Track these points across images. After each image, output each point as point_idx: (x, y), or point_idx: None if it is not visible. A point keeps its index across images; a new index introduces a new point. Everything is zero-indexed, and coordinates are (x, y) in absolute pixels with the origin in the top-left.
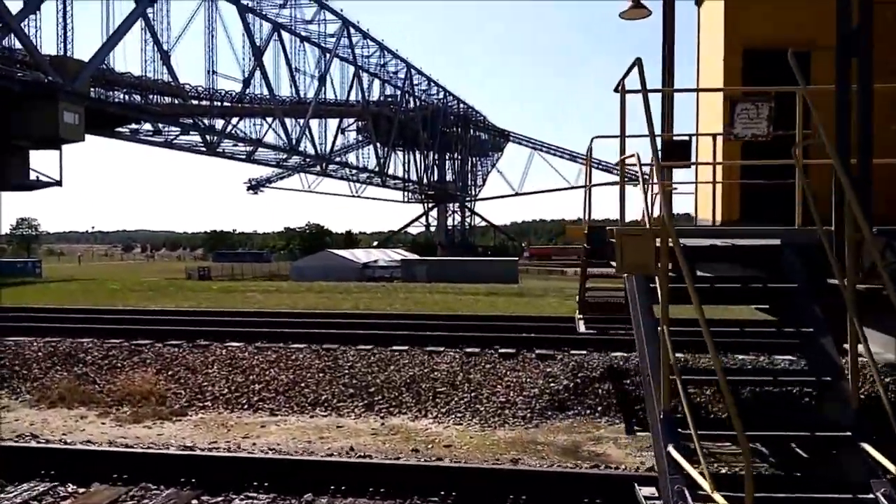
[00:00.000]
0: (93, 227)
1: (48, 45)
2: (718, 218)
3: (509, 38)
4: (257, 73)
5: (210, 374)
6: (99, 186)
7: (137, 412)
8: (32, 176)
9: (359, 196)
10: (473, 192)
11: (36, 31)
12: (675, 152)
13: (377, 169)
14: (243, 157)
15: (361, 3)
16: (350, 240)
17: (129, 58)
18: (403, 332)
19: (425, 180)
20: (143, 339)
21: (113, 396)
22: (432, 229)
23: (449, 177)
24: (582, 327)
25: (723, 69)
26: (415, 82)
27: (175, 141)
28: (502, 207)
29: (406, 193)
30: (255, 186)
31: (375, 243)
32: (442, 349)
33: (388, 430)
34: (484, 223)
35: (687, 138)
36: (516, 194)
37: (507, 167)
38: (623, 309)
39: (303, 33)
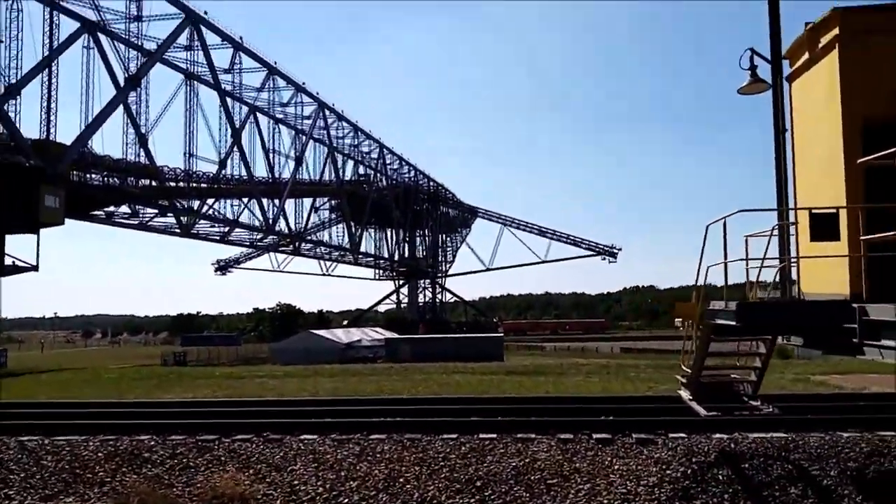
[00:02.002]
0: (55, 313)
1: (28, 129)
2: (844, 291)
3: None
4: (235, 155)
5: (297, 472)
6: (56, 270)
7: None
8: (8, 261)
9: (329, 274)
10: (444, 268)
11: (16, 115)
12: (824, 227)
13: (350, 247)
14: (218, 238)
15: (336, 85)
16: (322, 320)
17: (108, 139)
18: (474, 419)
19: (397, 257)
20: (206, 433)
21: (199, 500)
22: (403, 306)
23: (420, 253)
24: (701, 410)
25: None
26: (387, 161)
27: (150, 223)
28: (471, 282)
29: (378, 271)
30: (224, 267)
31: (345, 322)
32: (533, 436)
33: None
34: (454, 299)
35: (834, 211)
36: (487, 269)
37: (477, 242)
38: (738, 390)
39: (279, 115)
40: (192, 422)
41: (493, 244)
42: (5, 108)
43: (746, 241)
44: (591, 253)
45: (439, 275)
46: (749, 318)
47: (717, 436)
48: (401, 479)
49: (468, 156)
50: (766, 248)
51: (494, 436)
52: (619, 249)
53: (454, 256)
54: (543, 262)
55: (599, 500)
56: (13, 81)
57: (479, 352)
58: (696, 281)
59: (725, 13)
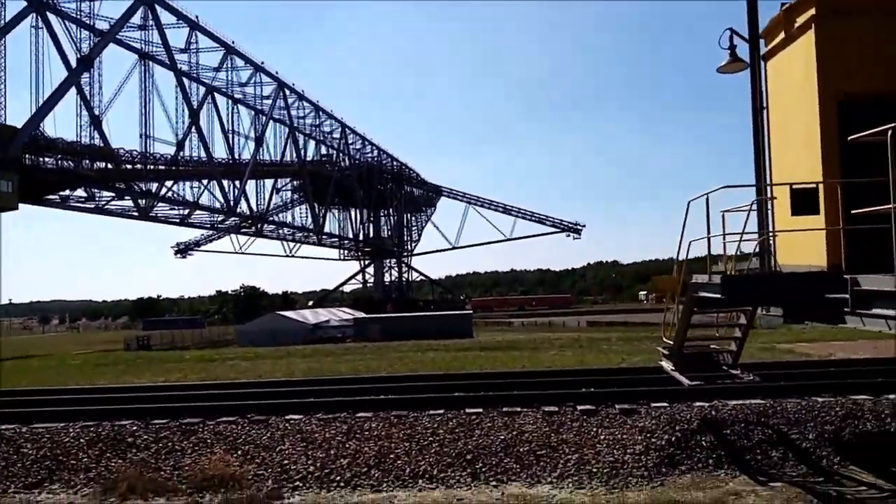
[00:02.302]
0: (10, 300)
1: None
2: (821, 263)
3: (445, 95)
4: (193, 136)
5: (286, 452)
6: (10, 256)
7: (229, 499)
8: None
9: (293, 256)
10: (410, 248)
11: None
12: (804, 201)
13: (314, 227)
14: (177, 220)
15: (297, 67)
16: (287, 301)
17: (60, 122)
18: (460, 395)
19: (361, 237)
20: (190, 417)
21: (189, 483)
22: (369, 285)
23: (385, 233)
24: (685, 380)
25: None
26: (349, 141)
27: (107, 206)
28: (438, 261)
29: (342, 251)
30: (184, 250)
31: (311, 303)
32: (519, 409)
33: (516, 500)
34: (420, 277)
35: (814, 186)
36: (453, 248)
37: (442, 221)
38: (718, 360)
39: (237, 96)
40: (175, 405)
41: (458, 223)
42: None
43: (723, 216)
44: (556, 230)
45: (405, 254)
46: (735, 290)
47: (698, 404)
48: (391, 455)
49: (431, 135)
50: (745, 223)
51: (480, 410)
52: (583, 226)
53: (419, 235)
54: (508, 239)
55: (589, 469)
56: None
57: (449, 329)
58: (678, 255)
59: None
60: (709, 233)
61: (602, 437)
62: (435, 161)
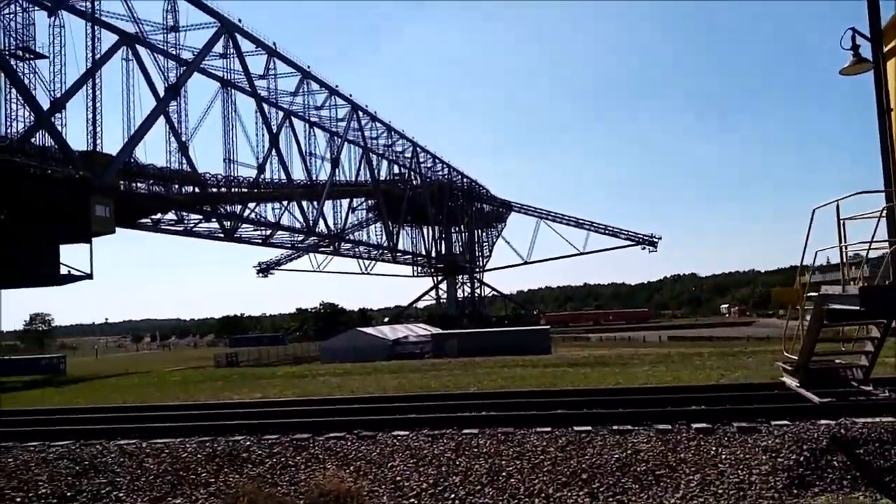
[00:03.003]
0: (106, 319)
1: (74, 141)
2: None
3: (506, 107)
4: (273, 159)
5: (397, 468)
6: (106, 278)
7: None
8: (63, 270)
9: (368, 273)
10: (482, 263)
11: (63, 128)
12: None
13: (388, 245)
14: (260, 241)
15: (370, 86)
16: (364, 317)
17: (151, 148)
18: (564, 412)
19: (434, 253)
20: (299, 432)
21: (307, 499)
22: (443, 302)
23: (456, 249)
24: (814, 397)
25: None
26: (420, 160)
27: (195, 229)
28: (509, 277)
29: (416, 267)
30: (266, 269)
31: (386, 319)
32: (630, 427)
33: None
34: (493, 293)
35: None
36: (525, 263)
37: (513, 236)
38: (846, 376)
39: (314, 119)
40: (283, 421)
41: (529, 237)
42: (52, 121)
43: (843, 224)
44: (631, 243)
45: (477, 270)
46: (874, 302)
47: (824, 422)
48: (503, 473)
49: (500, 151)
50: (875, 230)
51: (589, 428)
52: (659, 238)
53: (491, 251)
54: (582, 253)
55: (713, 490)
56: (58, 96)
57: (526, 345)
58: (801, 265)
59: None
60: (841, 241)
61: (723, 456)
62: (500, 172)
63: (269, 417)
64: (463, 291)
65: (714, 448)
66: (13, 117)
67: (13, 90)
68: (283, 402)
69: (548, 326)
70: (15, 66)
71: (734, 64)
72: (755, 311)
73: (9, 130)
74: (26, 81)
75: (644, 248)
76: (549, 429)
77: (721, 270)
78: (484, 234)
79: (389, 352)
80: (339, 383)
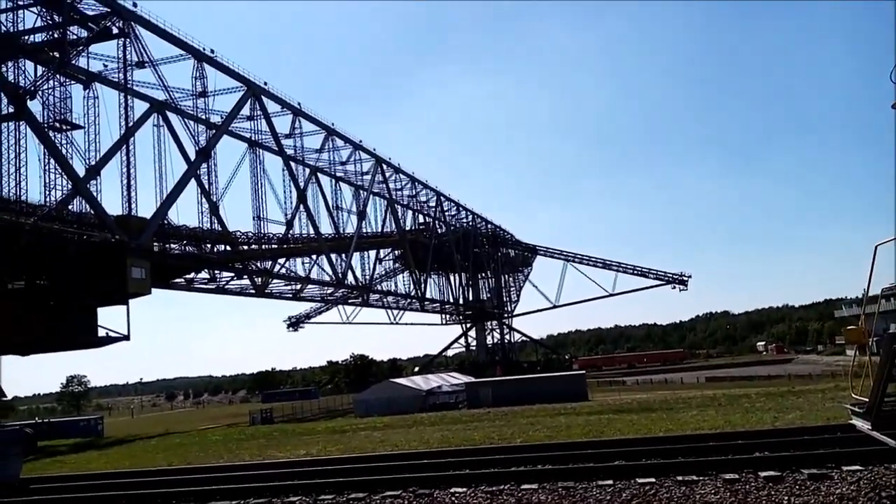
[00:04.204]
0: (140, 379)
1: (110, 206)
2: None
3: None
4: (301, 215)
5: None
6: (141, 338)
7: None
8: (101, 332)
9: (397, 323)
10: (510, 308)
11: (98, 194)
12: None
13: (416, 294)
14: (290, 295)
15: (393, 139)
16: (395, 368)
17: (183, 210)
18: (623, 463)
19: (462, 300)
20: (354, 492)
21: None
22: (472, 348)
23: (484, 295)
24: (890, 441)
25: None
26: (444, 208)
27: (227, 286)
28: (539, 321)
29: (444, 315)
30: (296, 323)
31: (417, 368)
32: (695, 478)
33: None
34: (522, 338)
35: None
36: (553, 307)
37: (541, 280)
38: None
39: (339, 174)
40: (337, 480)
41: (557, 281)
42: (89, 188)
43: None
44: (660, 282)
45: (506, 315)
46: None
47: None
48: None
49: (523, 197)
50: None
51: (653, 479)
52: (689, 276)
53: (519, 296)
54: (611, 295)
55: None
56: (94, 163)
57: (562, 391)
58: (864, 304)
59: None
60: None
61: None
62: (524, 218)
63: (322, 476)
64: (492, 337)
65: (787, 497)
66: (52, 186)
67: (51, 160)
68: (333, 461)
69: (583, 371)
70: (53, 138)
71: (756, 103)
72: (793, 348)
73: (48, 198)
74: (63, 151)
75: (674, 287)
76: (610, 482)
77: (754, 307)
78: (511, 279)
79: (423, 402)
80: (381, 437)
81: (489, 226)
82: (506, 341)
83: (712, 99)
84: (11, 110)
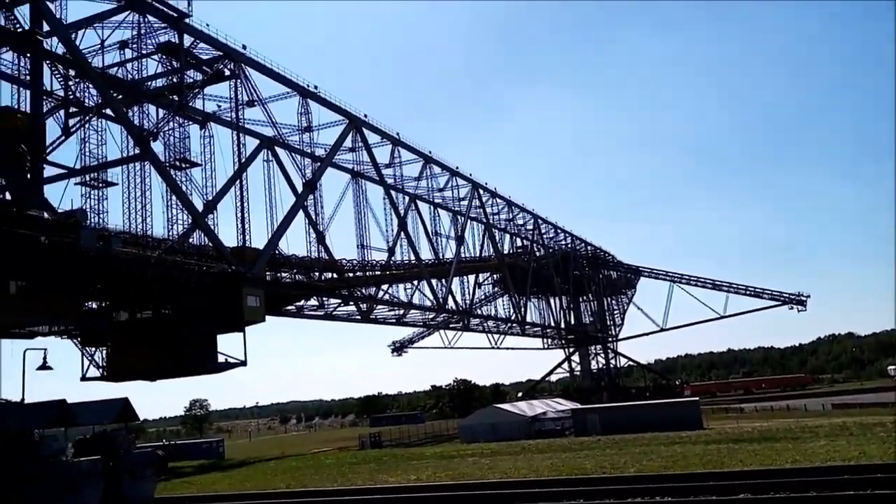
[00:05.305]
0: (256, 403)
1: (226, 237)
2: None
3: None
4: (402, 242)
5: None
6: (254, 363)
7: None
8: (221, 359)
9: (498, 347)
10: (614, 332)
11: (215, 227)
12: None
13: (516, 318)
14: (394, 320)
15: (488, 162)
16: (497, 393)
17: (292, 240)
18: (746, 497)
19: (563, 324)
20: None
21: None
22: (576, 374)
23: (586, 318)
24: None
25: None
26: (542, 231)
27: (335, 312)
28: (646, 345)
29: (546, 339)
30: (400, 348)
31: (520, 394)
32: None
33: None
34: (629, 363)
35: None
36: (661, 330)
37: (646, 303)
38: None
39: (437, 200)
40: None
41: (663, 303)
42: (207, 221)
43: None
44: (776, 303)
45: (610, 339)
46: None
47: None
48: None
49: (621, 216)
50: None
51: None
52: (808, 296)
53: (623, 319)
54: (722, 317)
55: None
56: (210, 198)
57: (675, 418)
58: None
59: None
60: None
61: None
62: (624, 238)
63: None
64: (597, 362)
65: None
66: (174, 221)
67: (173, 197)
68: (444, 486)
69: (696, 398)
70: (174, 175)
71: (875, 104)
72: None
73: (170, 233)
74: (184, 188)
75: (791, 308)
76: None
77: (882, 328)
78: (614, 301)
79: (528, 429)
80: (489, 464)
81: (589, 247)
82: (611, 366)
83: (830, 97)
84: (137, 151)
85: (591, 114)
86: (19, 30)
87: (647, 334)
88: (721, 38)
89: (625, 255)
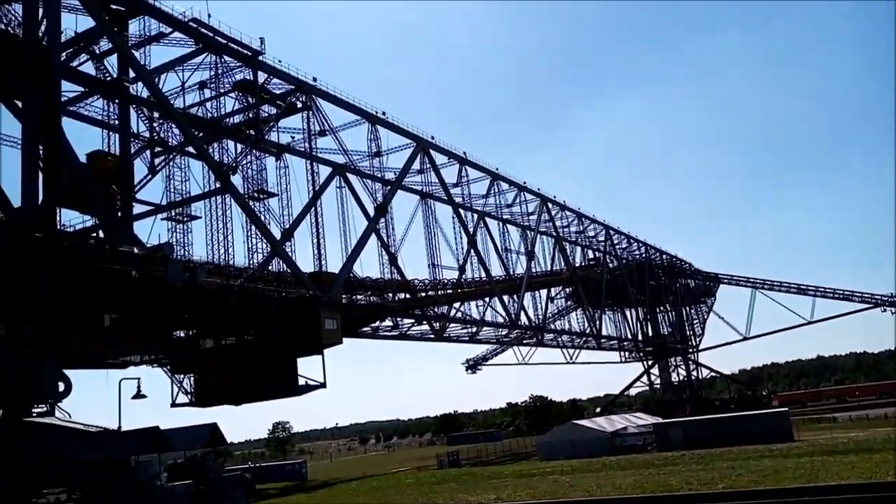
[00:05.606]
0: (336, 424)
1: (302, 263)
2: None
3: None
4: (472, 259)
5: None
6: (334, 386)
7: None
8: (301, 381)
9: (573, 362)
10: (694, 343)
11: (293, 254)
12: None
13: (591, 331)
14: (467, 338)
15: (555, 176)
16: (575, 408)
17: (365, 262)
18: None
19: (640, 336)
20: None
21: None
22: (656, 387)
23: (664, 330)
24: None
25: None
26: (614, 241)
27: (408, 332)
28: (729, 355)
29: (623, 353)
30: (473, 365)
31: (598, 409)
32: None
33: None
34: (711, 374)
35: None
36: (744, 338)
37: (727, 311)
38: None
39: (506, 216)
40: None
41: (746, 310)
42: (285, 248)
43: None
44: (867, 305)
45: (690, 350)
46: None
47: None
48: None
49: (695, 224)
50: None
51: None
52: None
53: (703, 329)
54: (809, 322)
55: None
56: (287, 226)
57: (763, 431)
58: None
59: None
60: None
61: None
62: (699, 246)
63: None
64: (677, 374)
65: None
66: (254, 250)
67: (253, 227)
68: None
69: (785, 409)
70: (253, 207)
71: None
72: None
73: (251, 261)
74: (262, 218)
75: (884, 311)
76: None
77: None
78: (693, 311)
79: (609, 445)
80: (570, 482)
81: (664, 256)
82: (693, 378)
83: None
84: (218, 185)
85: (659, 121)
86: (108, 78)
87: (729, 343)
88: (808, 29)
89: (701, 263)
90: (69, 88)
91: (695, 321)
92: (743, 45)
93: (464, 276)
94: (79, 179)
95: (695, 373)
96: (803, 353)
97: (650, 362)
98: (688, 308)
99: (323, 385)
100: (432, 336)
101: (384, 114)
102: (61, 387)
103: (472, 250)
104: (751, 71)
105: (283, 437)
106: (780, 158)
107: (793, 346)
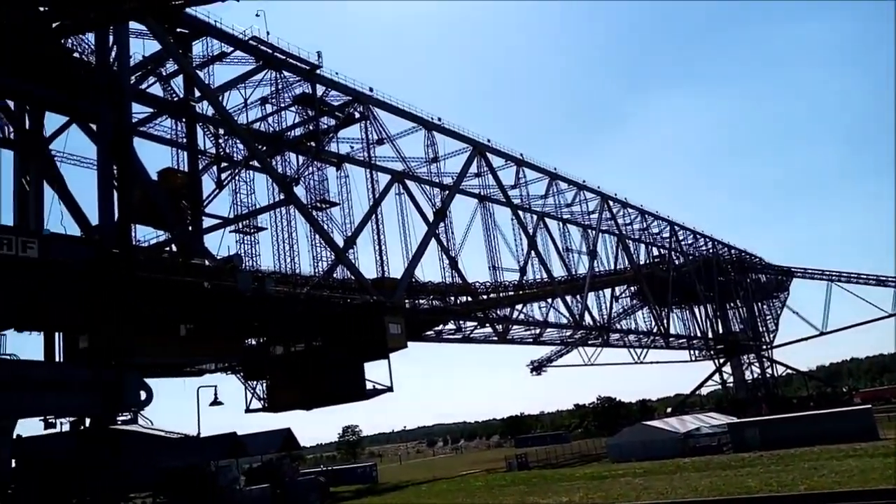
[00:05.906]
0: (404, 427)
1: (365, 270)
2: None
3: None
4: (533, 260)
5: None
6: (401, 390)
7: None
8: (368, 386)
9: (641, 362)
10: (768, 339)
11: (356, 261)
12: None
13: (658, 330)
14: (531, 340)
15: (617, 174)
16: (644, 409)
17: (426, 267)
18: None
19: (710, 334)
20: None
21: None
22: (729, 385)
23: (735, 326)
24: None
25: None
26: (679, 238)
27: (472, 335)
28: (805, 351)
29: (692, 351)
30: (538, 367)
31: (669, 409)
32: None
33: None
34: (787, 371)
35: None
36: (821, 333)
37: (802, 305)
38: None
39: (566, 216)
40: None
41: (821, 305)
42: (348, 256)
43: None
44: None
45: (764, 347)
46: None
47: None
48: None
49: (763, 217)
50: None
51: None
52: None
53: (776, 324)
54: (891, 315)
55: None
56: (350, 234)
57: (845, 429)
58: None
59: None
60: None
61: None
62: (770, 239)
63: None
64: (751, 372)
65: None
66: (318, 258)
67: (317, 236)
68: None
69: (868, 406)
70: (316, 216)
71: None
72: None
73: (316, 269)
74: (325, 227)
75: None
76: None
77: None
78: (765, 306)
79: (681, 446)
80: (643, 484)
81: (732, 251)
82: (768, 375)
83: None
84: (282, 197)
85: (719, 116)
86: (175, 99)
87: (805, 339)
88: (869, 16)
89: (772, 257)
90: (139, 110)
91: (767, 317)
92: (821, 35)
93: (525, 278)
94: (151, 196)
95: (769, 370)
96: (885, 348)
97: (722, 360)
98: (759, 304)
99: (390, 389)
100: (495, 338)
101: (439, 119)
102: (143, 395)
103: (532, 251)
104: (828, 61)
105: (353, 441)
106: (852, 149)
107: (874, 340)
